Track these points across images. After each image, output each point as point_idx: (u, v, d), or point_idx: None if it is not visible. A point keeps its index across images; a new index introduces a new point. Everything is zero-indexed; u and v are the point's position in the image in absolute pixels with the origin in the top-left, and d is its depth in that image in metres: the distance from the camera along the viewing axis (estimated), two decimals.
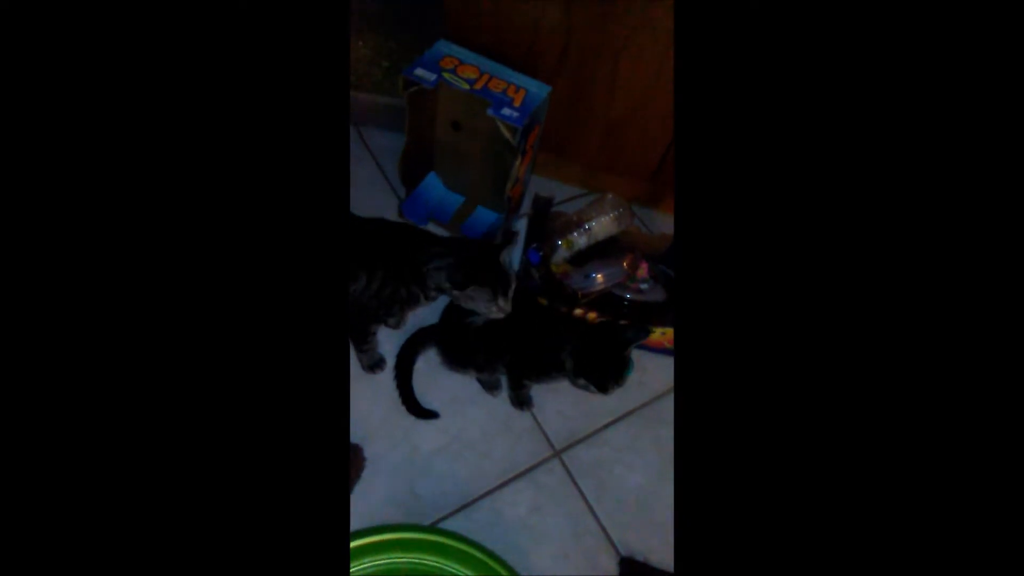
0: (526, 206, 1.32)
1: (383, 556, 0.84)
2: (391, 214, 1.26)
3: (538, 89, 1.07)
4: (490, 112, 1.02)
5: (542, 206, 1.25)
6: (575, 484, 1.02)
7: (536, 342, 0.95)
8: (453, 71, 1.06)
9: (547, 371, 0.95)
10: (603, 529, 0.98)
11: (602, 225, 1.22)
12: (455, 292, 0.85)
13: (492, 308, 0.86)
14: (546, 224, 1.24)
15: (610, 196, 1.24)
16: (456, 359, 1.04)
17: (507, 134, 1.03)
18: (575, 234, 1.22)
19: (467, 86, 1.04)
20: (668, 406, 1.14)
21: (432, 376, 1.07)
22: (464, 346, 1.01)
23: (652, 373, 1.17)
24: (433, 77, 1.03)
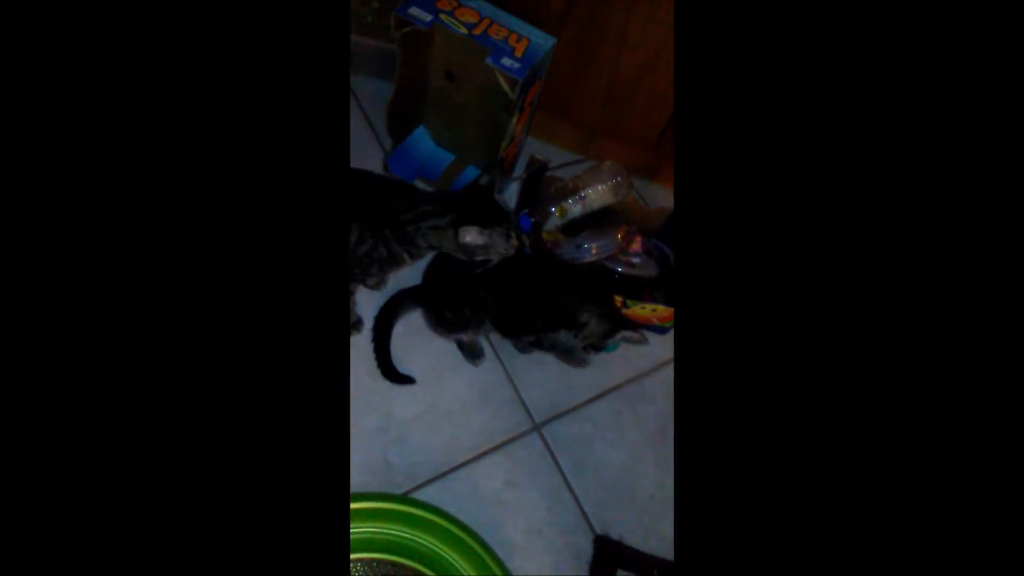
0: (520, 168, 1.26)
1: (353, 526, 0.81)
2: (376, 167, 1.18)
3: (542, 40, 0.99)
4: (488, 61, 0.94)
5: (537, 170, 1.19)
6: (553, 459, 0.99)
7: (534, 296, 0.93)
8: (451, 13, 0.97)
9: (548, 325, 0.93)
10: (579, 506, 0.96)
11: (598, 194, 1.17)
12: (468, 241, 0.81)
13: (509, 246, 0.84)
14: (540, 189, 1.18)
15: (609, 164, 1.18)
16: (443, 321, 0.98)
17: (506, 87, 0.96)
18: (569, 201, 1.16)
19: (465, 30, 0.96)
20: (652, 384, 1.12)
21: (411, 342, 1.02)
22: (451, 306, 0.96)
23: (637, 350, 1.13)
24: (429, 17, 0.94)
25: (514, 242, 0.84)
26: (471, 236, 0.80)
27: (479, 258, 0.84)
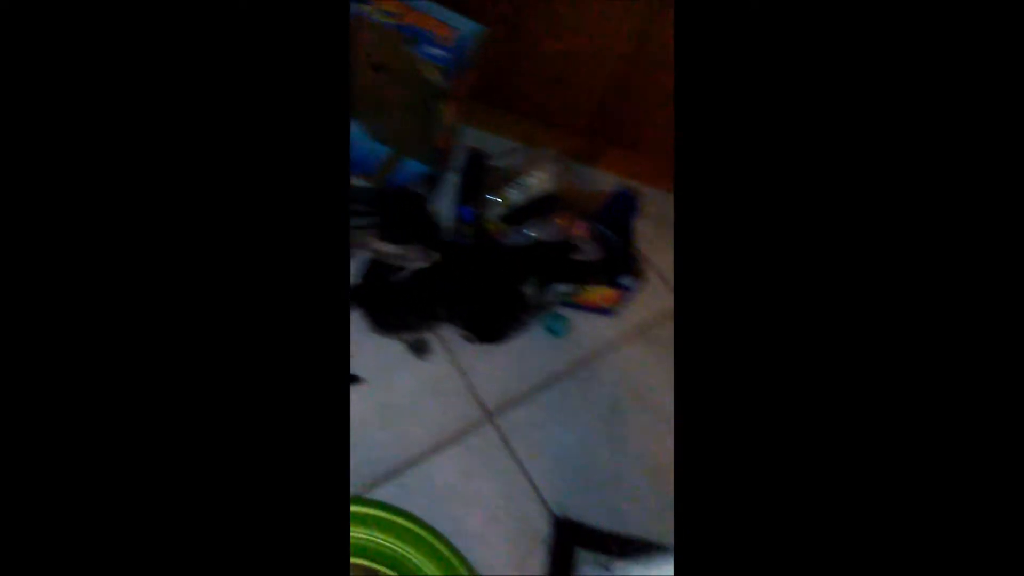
0: (459, 160, 1.25)
1: None
2: None
3: (469, 27, 0.98)
4: (414, 50, 0.92)
5: (476, 160, 1.18)
6: (508, 446, 0.99)
7: (484, 289, 0.92)
8: (370, 2, 0.95)
9: (508, 314, 0.93)
10: (536, 490, 0.96)
11: (539, 181, 1.17)
12: (382, 250, 0.79)
13: (425, 262, 0.82)
14: (480, 180, 1.17)
15: (547, 151, 1.19)
16: (384, 321, 0.97)
17: (434, 76, 0.94)
18: (511, 190, 1.16)
19: (390, 20, 0.94)
20: (601, 366, 1.14)
21: (354, 339, 1.00)
22: (392, 307, 0.95)
23: (586, 333, 1.16)
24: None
25: (430, 259, 0.83)
26: (380, 245, 0.79)
27: (395, 265, 0.84)
